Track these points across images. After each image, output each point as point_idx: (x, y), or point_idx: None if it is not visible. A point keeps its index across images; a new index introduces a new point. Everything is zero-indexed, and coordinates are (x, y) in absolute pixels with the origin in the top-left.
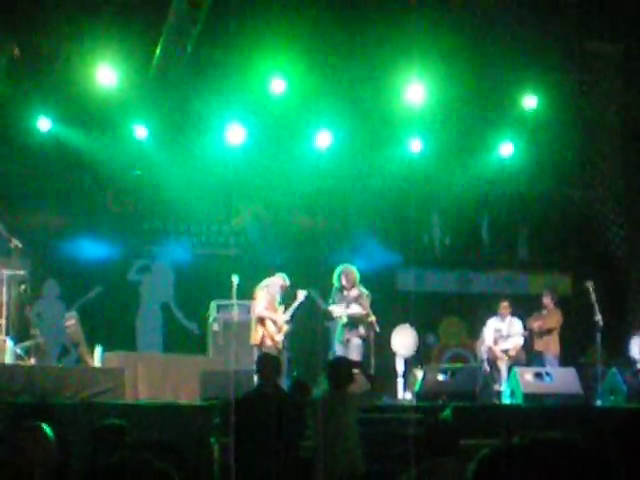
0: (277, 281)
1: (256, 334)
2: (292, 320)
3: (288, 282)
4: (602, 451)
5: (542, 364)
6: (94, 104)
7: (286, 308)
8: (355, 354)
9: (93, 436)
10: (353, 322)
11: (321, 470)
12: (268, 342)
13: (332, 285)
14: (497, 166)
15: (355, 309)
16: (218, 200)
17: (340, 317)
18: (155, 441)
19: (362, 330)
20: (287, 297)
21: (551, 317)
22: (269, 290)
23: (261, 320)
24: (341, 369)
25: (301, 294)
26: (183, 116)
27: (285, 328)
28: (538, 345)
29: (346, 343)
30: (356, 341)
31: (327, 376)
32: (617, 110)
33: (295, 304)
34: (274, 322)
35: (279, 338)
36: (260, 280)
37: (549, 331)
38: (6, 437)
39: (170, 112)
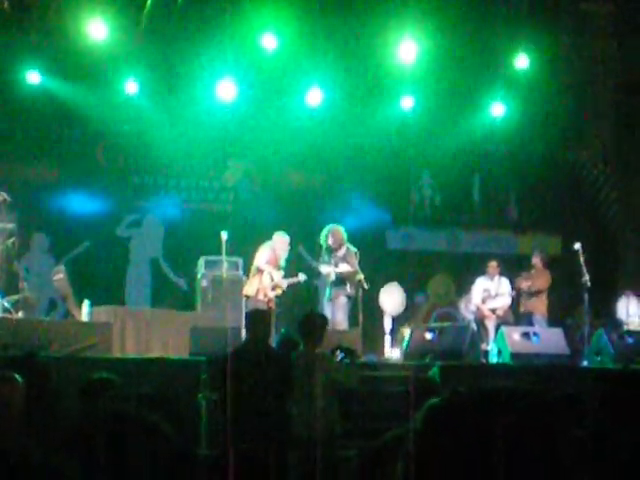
0: (279, 239)
1: (251, 286)
2: (284, 292)
3: (287, 238)
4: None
5: (530, 324)
6: (85, 58)
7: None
8: (341, 312)
9: (82, 390)
10: (341, 280)
11: (297, 429)
12: (260, 296)
13: (320, 245)
14: (489, 126)
15: (343, 268)
16: (208, 156)
17: (329, 275)
18: (144, 394)
19: (349, 289)
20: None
21: (540, 278)
22: (275, 250)
23: (259, 272)
24: (314, 325)
25: (301, 276)
26: (174, 71)
27: (279, 290)
28: (526, 305)
29: (333, 301)
30: (342, 300)
31: (299, 332)
32: (609, 71)
33: (291, 280)
34: (271, 277)
35: (272, 295)
36: (249, 236)
37: (538, 292)
38: None
39: (161, 67)
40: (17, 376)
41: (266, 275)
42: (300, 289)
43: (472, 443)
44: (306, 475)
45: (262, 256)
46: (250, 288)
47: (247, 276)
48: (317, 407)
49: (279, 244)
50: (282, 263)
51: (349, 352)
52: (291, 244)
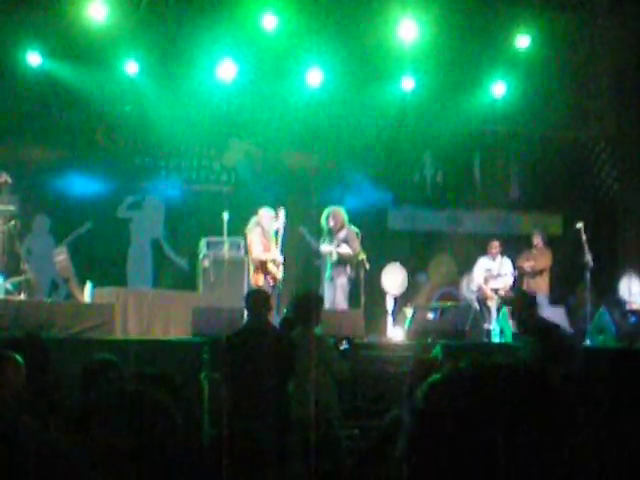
0: (265, 215)
1: (256, 278)
2: (282, 251)
3: (273, 212)
4: (588, 388)
5: None
6: (85, 39)
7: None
8: (341, 293)
9: (84, 371)
10: (342, 262)
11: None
12: (271, 282)
13: (322, 227)
14: (490, 105)
15: (345, 249)
16: (209, 136)
17: (330, 254)
18: (146, 374)
19: (350, 270)
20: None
21: (541, 257)
22: (262, 227)
23: (261, 264)
24: (308, 305)
25: (281, 213)
26: (174, 52)
27: (281, 265)
28: (529, 285)
29: (334, 281)
30: (342, 280)
31: (294, 312)
32: (611, 50)
33: (277, 225)
34: (273, 261)
35: (280, 275)
36: (251, 217)
37: (540, 271)
38: None
39: (161, 48)
40: (17, 356)
41: (269, 264)
42: (302, 269)
43: (474, 419)
44: (303, 454)
45: (256, 245)
46: (258, 279)
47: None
48: (311, 387)
49: (265, 220)
50: (272, 236)
51: (350, 343)
52: (292, 224)
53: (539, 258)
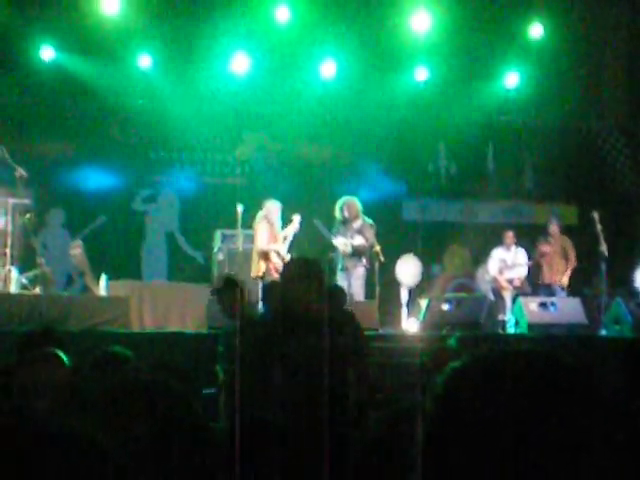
0: (273, 208)
1: (258, 267)
2: (291, 249)
3: (279, 204)
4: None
5: (551, 294)
6: (98, 33)
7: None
8: (359, 283)
9: (94, 363)
10: (357, 253)
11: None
12: (274, 274)
13: (335, 218)
14: (503, 96)
15: (359, 240)
16: (223, 129)
17: (345, 246)
18: (162, 366)
19: (365, 261)
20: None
21: (557, 243)
22: (269, 220)
23: (264, 254)
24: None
25: (296, 219)
26: (187, 45)
27: (287, 258)
28: (544, 276)
29: (349, 272)
30: (360, 270)
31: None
32: (624, 39)
33: (290, 231)
34: (277, 253)
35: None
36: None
37: (560, 258)
38: (18, 363)
39: (174, 41)
40: (60, 353)
41: (273, 255)
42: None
43: (496, 404)
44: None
45: (262, 236)
46: (258, 269)
47: None
48: None
49: (272, 213)
50: (279, 230)
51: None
52: (306, 217)
53: (555, 244)
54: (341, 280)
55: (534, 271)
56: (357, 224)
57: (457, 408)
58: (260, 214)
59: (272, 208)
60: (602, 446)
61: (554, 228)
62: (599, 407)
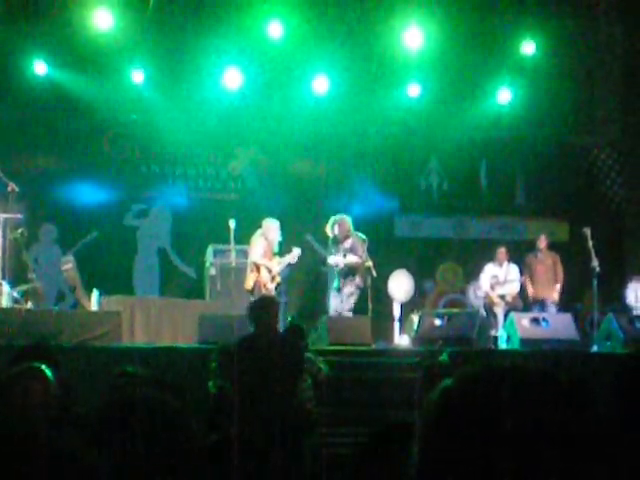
0: (271, 227)
1: (249, 280)
2: (281, 274)
3: (277, 223)
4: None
5: (543, 309)
6: (91, 48)
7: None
8: (349, 303)
9: (109, 385)
10: (350, 271)
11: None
12: (262, 290)
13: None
14: (495, 112)
15: (351, 259)
16: (215, 144)
17: (337, 265)
18: (158, 381)
19: (358, 279)
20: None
21: (547, 258)
22: (267, 237)
23: (256, 267)
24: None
25: (295, 252)
26: (180, 60)
27: (278, 279)
28: (539, 291)
29: (341, 291)
30: (350, 289)
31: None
32: (616, 56)
33: (287, 259)
34: (269, 270)
35: (271, 287)
36: (257, 225)
37: (550, 275)
38: (5, 380)
39: (167, 56)
40: (45, 368)
41: (263, 270)
42: (308, 277)
43: (488, 421)
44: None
45: (257, 250)
46: (249, 282)
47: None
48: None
49: (270, 231)
50: (275, 249)
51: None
52: (299, 232)
53: (544, 260)
54: (333, 298)
55: (525, 288)
56: (348, 243)
57: (449, 427)
58: (258, 232)
59: (271, 227)
60: (598, 463)
61: (542, 243)
62: (594, 423)
